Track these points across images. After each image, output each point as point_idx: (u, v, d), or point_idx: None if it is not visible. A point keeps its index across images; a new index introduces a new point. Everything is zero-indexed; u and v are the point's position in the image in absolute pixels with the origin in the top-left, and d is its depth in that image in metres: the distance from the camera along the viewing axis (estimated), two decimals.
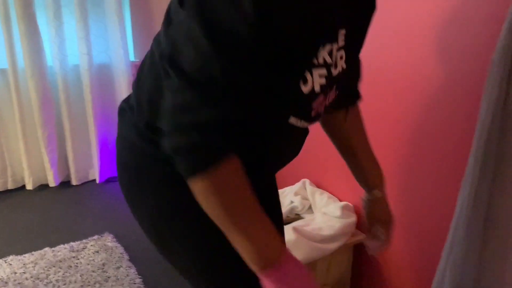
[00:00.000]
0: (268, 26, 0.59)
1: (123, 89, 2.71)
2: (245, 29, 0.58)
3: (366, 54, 0.89)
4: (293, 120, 0.72)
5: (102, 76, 2.71)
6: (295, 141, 0.87)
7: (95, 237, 2.17)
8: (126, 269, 1.90)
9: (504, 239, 0.99)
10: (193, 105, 0.61)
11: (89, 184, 2.83)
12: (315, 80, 0.68)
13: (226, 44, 0.59)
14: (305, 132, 0.88)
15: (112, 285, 1.80)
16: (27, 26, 2.37)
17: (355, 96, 0.96)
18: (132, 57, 2.83)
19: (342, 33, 0.70)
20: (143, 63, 0.83)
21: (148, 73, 0.78)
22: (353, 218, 1.50)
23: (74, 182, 2.77)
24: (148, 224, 0.85)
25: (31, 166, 2.66)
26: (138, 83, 0.82)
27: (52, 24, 2.45)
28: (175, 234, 0.82)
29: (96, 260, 1.97)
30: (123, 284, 1.81)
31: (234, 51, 0.60)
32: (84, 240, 2.13)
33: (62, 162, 2.76)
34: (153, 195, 0.81)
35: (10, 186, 2.68)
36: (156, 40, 0.78)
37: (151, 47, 0.81)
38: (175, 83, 0.62)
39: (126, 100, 0.89)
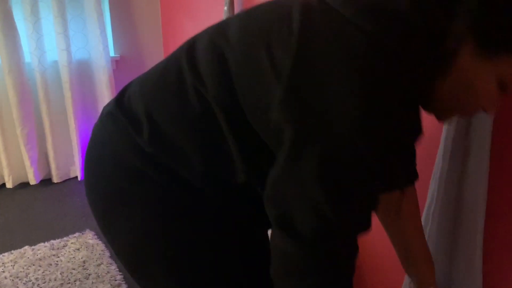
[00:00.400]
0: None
1: (103, 85, 2.69)
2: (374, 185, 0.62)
3: None
4: None
5: (82, 72, 2.68)
6: None
7: (76, 234, 2.15)
8: (107, 266, 1.90)
9: (472, 234, 1.01)
10: (306, 272, 0.64)
11: (70, 181, 2.80)
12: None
13: (351, 210, 0.61)
14: None
15: (92, 282, 1.79)
16: (3, 22, 2.33)
17: (412, 174, 0.93)
18: (112, 53, 2.80)
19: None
20: (159, 77, 0.75)
21: (174, 101, 0.71)
22: None
23: (55, 179, 2.74)
24: (126, 245, 0.79)
25: (11, 164, 2.63)
26: (150, 99, 0.74)
27: (29, 19, 2.42)
28: (159, 259, 0.76)
29: (76, 258, 1.96)
30: (103, 281, 1.80)
31: (361, 212, 0.63)
32: (65, 238, 2.12)
33: (42, 159, 2.73)
34: (142, 218, 0.75)
35: None
36: (192, 62, 0.72)
37: (178, 62, 0.74)
38: (287, 244, 0.63)
39: (121, 106, 0.78)
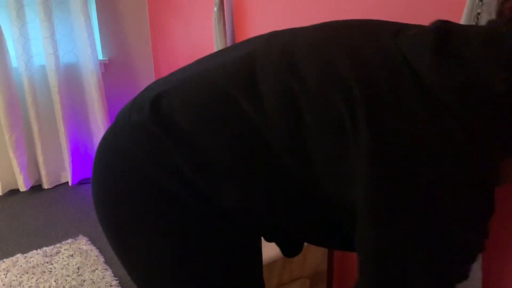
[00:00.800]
0: None
1: (92, 89, 2.66)
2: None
3: None
4: None
5: (70, 76, 2.64)
6: None
7: (69, 240, 2.12)
8: (102, 272, 1.88)
9: None
10: None
11: (61, 187, 2.76)
12: None
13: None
14: None
15: None
16: None
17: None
18: (100, 56, 2.77)
19: None
20: (209, 100, 0.67)
21: (226, 132, 0.65)
22: None
23: (45, 185, 2.71)
24: (145, 269, 0.76)
25: (0, 172, 2.59)
26: (198, 122, 0.67)
27: (16, 24, 2.38)
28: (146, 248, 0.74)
29: (70, 264, 1.93)
30: (99, 287, 1.78)
31: None
32: (57, 244, 2.09)
33: (32, 165, 2.69)
34: (170, 244, 0.71)
35: None
36: (254, 101, 0.64)
37: (233, 92, 0.66)
38: None
39: (159, 119, 0.68)
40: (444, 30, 0.57)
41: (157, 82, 0.77)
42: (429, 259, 0.56)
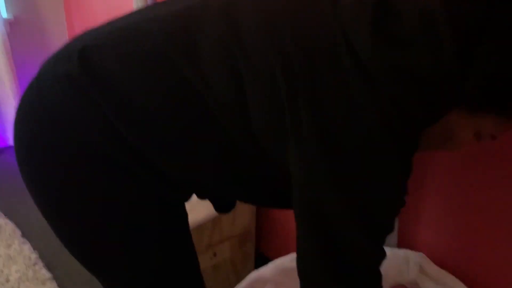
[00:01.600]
0: None
1: None
2: None
3: None
4: None
5: None
6: None
7: None
8: (19, 246, 1.76)
9: None
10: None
11: None
12: None
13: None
14: None
15: (4, 265, 1.66)
16: None
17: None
18: (4, 14, 2.51)
19: None
20: (144, 56, 0.65)
21: (162, 89, 0.64)
22: None
23: None
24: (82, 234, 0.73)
25: None
26: (132, 76, 0.64)
27: None
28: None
29: None
30: (17, 262, 1.68)
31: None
32: None
33: None
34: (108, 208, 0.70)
35: None
36: (193, 60, 0.64)
37: (170, 52, 0.64)
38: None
39: (88, 69, 0.64)
40: (383, 5, 0.59)
41: (87, 33, 0.72)
42: (360, 214, 0.60)
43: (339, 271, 0.63)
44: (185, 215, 0.82)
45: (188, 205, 1.34)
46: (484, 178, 0.94)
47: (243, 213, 1.52)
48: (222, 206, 0.89)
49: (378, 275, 0.68)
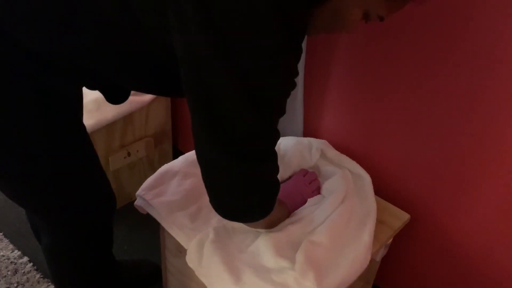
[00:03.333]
0: None
1: None
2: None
3: None
4: None
5: None
6: None
7: None
8: None
9: None
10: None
11: None
12: None
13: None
14: None
15: None
16: None
17: None
18: None
19: None
20: None
21: None
22: None
23: None
24: None
25: None
26: None
27: None
28: None
29: None
30: None
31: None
32: None
33: None
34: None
35: None
36: None
37: None
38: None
39: None
40: None
41: None
42: (247, 92, 0.60)
43: (233, 148, 0.65)
44: (76, 107, 0.81)
45: (94, 105, 1.30)
46: (382, 68, 0.99)
47: (157, 113, 1.50)
48: (114, 96, 0.86)
49: (272, 154, 0.71)
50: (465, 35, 0.83)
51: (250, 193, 0.71)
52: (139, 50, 0.68)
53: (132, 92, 1.33)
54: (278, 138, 0.71)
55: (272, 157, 0.72)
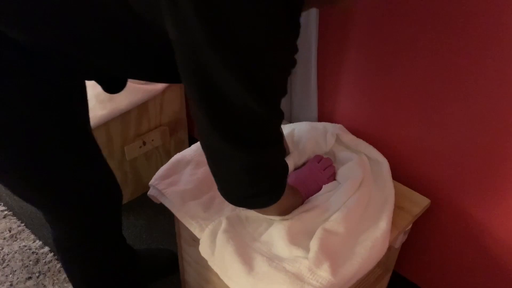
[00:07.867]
0: None
1: None
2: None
3: None
4: None
5: None
6: None
7: None
8: None
9: (307, 69, 1.08)
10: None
11: None
12: None
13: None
14: None
15: None
16: None
17: None
18: None
19: None
20: None
21: None
22: None
23: None
24: None
25: None
26: None
27: None
28: None
29: None
30: None
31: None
32: None
33: None
34: None
35: None
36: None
37: None
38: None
39: None
40: None
41: None
42: (250, 77, 0.57)
43: (236, 134, 0.62)
44: (74, 99, 0.80)
45: (106, 95, 1.29)
46: (400, 49, 0.94)
47: (171, 101, 1.49)
48: (111, 86, 0.85)
49: (277, 136, 0.69)
50: (498, 16, 0.78)
51: (257, 179, 0.68)
52: (138, 39, 0.66)
53: (145, 81, 1.32)
54: (282, 119, 0.68)
55: (277, 140, 0.69)
